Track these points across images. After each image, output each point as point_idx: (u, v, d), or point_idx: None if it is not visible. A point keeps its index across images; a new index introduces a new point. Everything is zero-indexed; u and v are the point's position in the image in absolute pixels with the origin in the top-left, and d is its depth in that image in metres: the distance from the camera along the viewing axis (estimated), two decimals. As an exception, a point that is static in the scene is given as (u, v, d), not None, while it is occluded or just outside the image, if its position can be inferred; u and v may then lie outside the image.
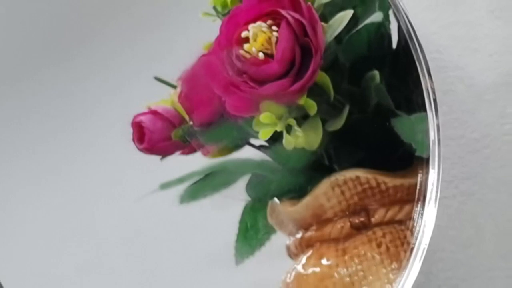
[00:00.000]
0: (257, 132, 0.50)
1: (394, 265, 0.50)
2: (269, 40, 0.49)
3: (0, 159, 0.52)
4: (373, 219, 0.50)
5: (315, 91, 0.50)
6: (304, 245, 0.51)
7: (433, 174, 0.49)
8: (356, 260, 0.50)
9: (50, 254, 0.52)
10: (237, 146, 0.51)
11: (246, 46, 0.49)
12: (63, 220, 0.52)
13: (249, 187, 0.51)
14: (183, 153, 0.51)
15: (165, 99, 0.51)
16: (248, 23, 0.49)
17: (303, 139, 0.50)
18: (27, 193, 0.52)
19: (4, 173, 0.52)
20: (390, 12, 0.49)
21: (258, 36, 0.49)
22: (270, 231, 0.51)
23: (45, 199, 0.52)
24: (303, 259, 0.51)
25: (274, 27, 0.49)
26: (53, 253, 0.52)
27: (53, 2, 0.53)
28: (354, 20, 0.49)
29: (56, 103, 0.52)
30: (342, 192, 0.50)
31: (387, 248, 0.50)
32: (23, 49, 0.53)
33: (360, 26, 0.50)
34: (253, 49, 0.49)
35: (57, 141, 0.52)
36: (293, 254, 0.51)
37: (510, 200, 0.59)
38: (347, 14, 0.49)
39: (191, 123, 0.51)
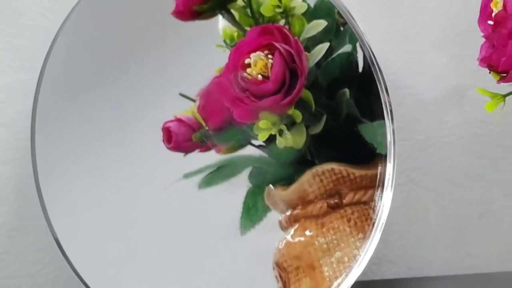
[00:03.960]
0: (257, 135, 0.54)
1: (360, 235, 0.53)
2: (266, 65, 0.53)
3: (63, 155, 0.56)
4: (344, 201, 0.54)
5: (300, 104, 0.54)
6: (292, 220, 0.54)
7: (389, 166, 0.53)
8: (332, 232, 0.54)
9: (107, 227, 0.55)
10: (241, 146, 0.55)
11: (248, 70, 0.54)
12: (114, 200, 0.55)
13: (251, 176, 0.55)
14: (201, 151, 0.55)
15: (187, 110, 0.55)
16: (250, 52, 0.53)
17: (291, 140, 0.54)
18: (86, 181, 0.55)
19: (66, 167, 0.55)
20: (357, 44, 0.53)
21: (258, 62, 0.53)
22: (266, 210, 0.54)
23: (99, 186, 0.55)
24: (292, 231, 0.54)
25: (269, 56, 0.53)
26: (108, 225, 0.55)
27: (104, 39, 0.56)
28: (330, 51, 0.53)
29: (107, 113, 0.56)
30: (321, 180, 0.54)
31: (355, 223, 0.53)
32: (84, 73, 0.56)
33: (334, 55, 0.53)
34: (254, 72, 0.54)
35: (107, 142, 0.55)
36: (284, 227, 0.54)
37: (448, 187, 0.63)
38: (325, 46, 0.53)
39: (207, 128, 0.55)
